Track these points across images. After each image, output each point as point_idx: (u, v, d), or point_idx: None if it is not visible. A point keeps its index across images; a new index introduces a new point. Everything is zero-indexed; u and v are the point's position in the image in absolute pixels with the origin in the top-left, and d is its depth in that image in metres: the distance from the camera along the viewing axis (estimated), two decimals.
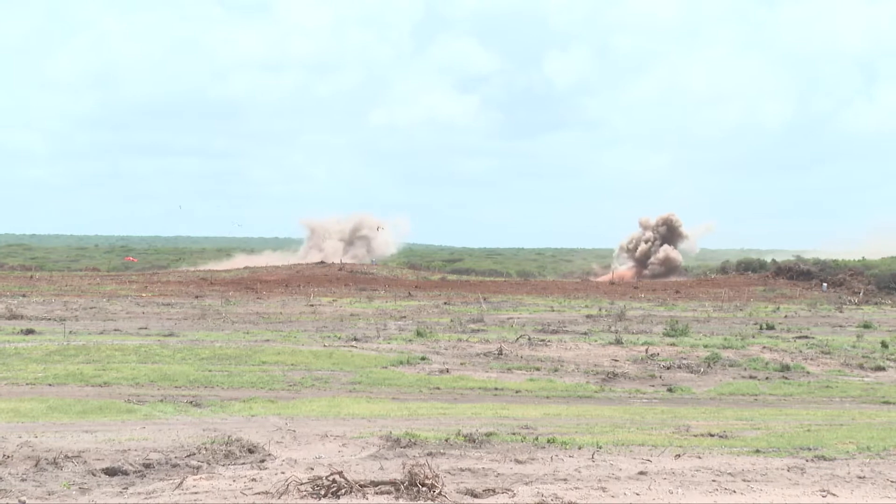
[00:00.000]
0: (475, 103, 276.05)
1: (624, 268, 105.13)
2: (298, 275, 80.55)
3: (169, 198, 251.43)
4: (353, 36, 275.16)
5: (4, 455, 15.18)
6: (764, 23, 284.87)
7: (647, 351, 30.94)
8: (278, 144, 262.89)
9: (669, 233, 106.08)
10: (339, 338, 34.34)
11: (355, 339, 33.69)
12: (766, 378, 27.03)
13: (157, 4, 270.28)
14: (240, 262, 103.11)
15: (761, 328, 40.22)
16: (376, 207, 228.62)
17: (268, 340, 33.07)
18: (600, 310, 50.41)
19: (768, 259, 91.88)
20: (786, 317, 47.74)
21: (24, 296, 55.37)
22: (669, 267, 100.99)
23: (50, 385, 23.75)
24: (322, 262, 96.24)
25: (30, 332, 34.74)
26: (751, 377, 27.17)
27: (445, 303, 55.73)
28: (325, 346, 31.70)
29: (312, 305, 51.94)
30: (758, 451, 16.17)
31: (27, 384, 23.86)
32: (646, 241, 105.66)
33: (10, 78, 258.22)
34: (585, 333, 37.24)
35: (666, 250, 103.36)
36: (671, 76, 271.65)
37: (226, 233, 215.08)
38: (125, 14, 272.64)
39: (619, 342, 33.13)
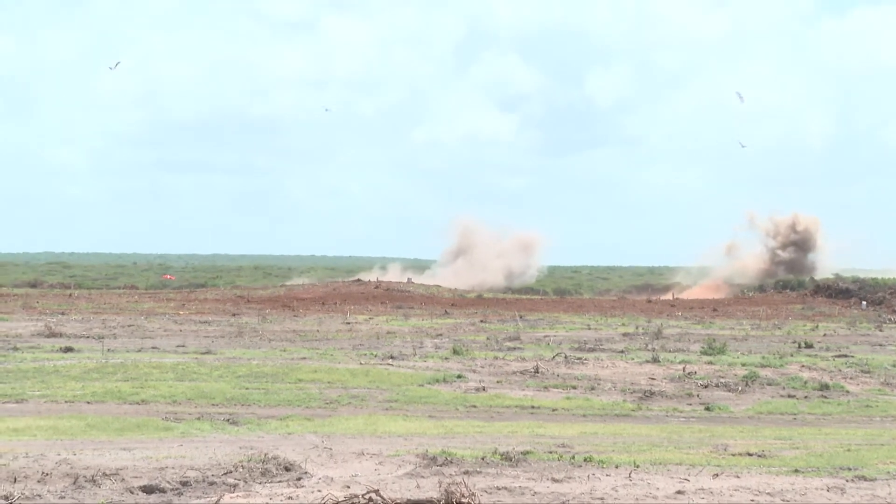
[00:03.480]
0: (516, 121, 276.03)
1: (705, 282, 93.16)
2: (335, 292, 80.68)
3: (207, 216, 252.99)
4: (396, 54, 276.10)
5: (43, 473, 15.28)
6: (805, 38, 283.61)
7: (684, 369, 30.74)
8: (319, 161, 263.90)
9: (802, 241, 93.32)
10: (376, 355, 34.36)
11: (391, 357, 33.70)
12: (805, 397, 26.78)
13: (202, 24, 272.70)
14: (369, 276, 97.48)
15: (800, 347, 39.87)
16: (417, 223, 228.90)
17: (304, 358, 33.14)
18: (637, 328, 50.17)
19: (807, 277, 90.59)
20: (825, 335, 47.31)
21: (63, 314, 55.80)
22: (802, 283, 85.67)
23: (88, 403, 23.91)
24: (358, 280, 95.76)
25: (69, 349, 35.01)
26: (789, 396, 26.93)
27: (481, 321, 55.66)
28: (361, 363, 31.72)
29: (349, 323, 52.04)
30: (797, 470, 16.02)
31: (66, 402, 24.03)
32: (778, 248, 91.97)
33: (55, 96, 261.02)
34: (622, 351, 37.06)
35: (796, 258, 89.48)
36: (712, 92, 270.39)
37: (264, 250, 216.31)
38: (170, 33, 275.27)
39: (656, 360, 32.93)
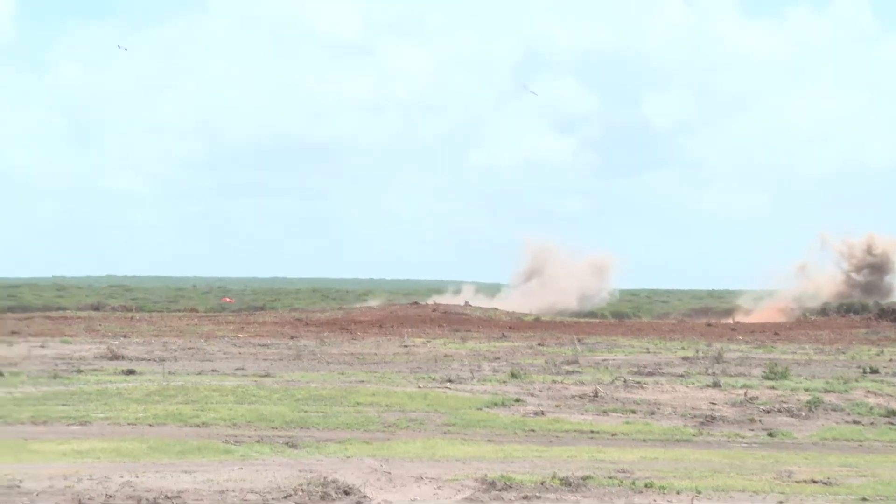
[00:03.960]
0: (573, 143, 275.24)
1: (770, 304, 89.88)
2: (392, 315, 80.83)
3: (266, 239, 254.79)
4: (454, 78, 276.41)
5: (107, 495, 15.42)
6: (867, 60, 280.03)
7: (745, 394, 30.36)
8: (375, 185, 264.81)
9: (880, 263, 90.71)
10: (434, 379, 34.33)
11: (449, 381, 33.65)
12: (871, 423, 26.32)
13: (261, 49, 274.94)
14: (443, 299, 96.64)
15: (865, 372, 39.22)
16: (474, 246, 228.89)
17: (362, 381, 33.20)
18: (697, 352, 49.69)
19: (882, 300, 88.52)
20: (890, 360, 46.52)
21: (125, 336, 56.44)
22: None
23: (150, 425, 24.11)
24: (416, 303, 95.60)
25: (130, 372, 35.37)
26: (854, 422, 26.48)
27: (539, 344, 55.45)
28: (419, 387, 31.71)
29: (406, 346, 52.09)
30: (864, 499, 15.74)
31: (128, 424, 24.26)
32: (855, 269, 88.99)
33: (119, 123, 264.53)
34: (682, 376, 36.70)
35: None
36: (772, 114, 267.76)
37: (322, 273, 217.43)
38: (229, 59, 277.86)
39: (716, 385, 32.57)
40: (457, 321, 75.90)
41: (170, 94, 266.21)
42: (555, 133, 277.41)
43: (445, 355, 46.13)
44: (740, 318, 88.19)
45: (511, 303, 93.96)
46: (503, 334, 63.44)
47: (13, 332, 56.85)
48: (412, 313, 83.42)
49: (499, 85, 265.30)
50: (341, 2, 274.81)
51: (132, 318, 77.61)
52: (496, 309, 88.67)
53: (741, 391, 31.02)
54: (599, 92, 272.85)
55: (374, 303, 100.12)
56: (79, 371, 35.58)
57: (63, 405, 26.80)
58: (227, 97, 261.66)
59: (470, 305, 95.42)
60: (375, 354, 46.42)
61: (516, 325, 74.31)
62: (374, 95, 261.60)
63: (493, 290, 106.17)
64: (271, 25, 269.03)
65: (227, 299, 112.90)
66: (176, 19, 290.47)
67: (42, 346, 47.35)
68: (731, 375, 36.76)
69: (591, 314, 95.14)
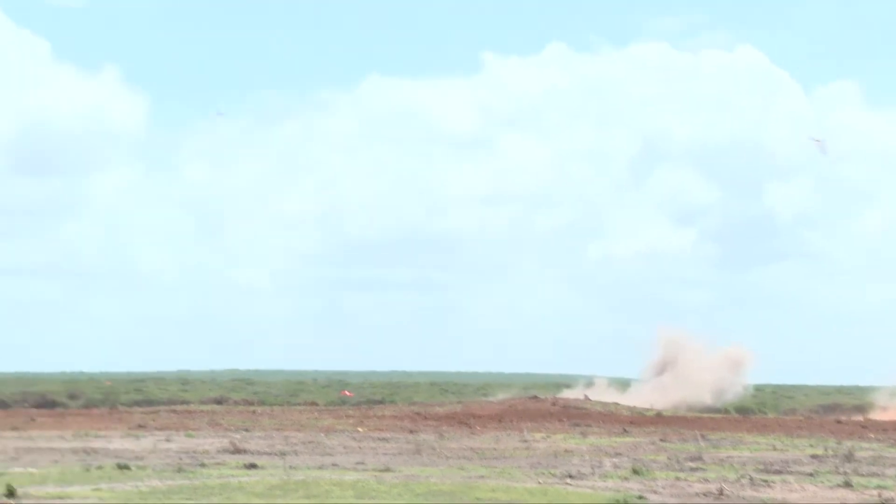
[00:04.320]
0: (693, 235, 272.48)
1: None
2: (511, 409, 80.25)
3: (385, 332, 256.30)
4: (571, 170, 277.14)
5: None
6: None
7: (880, 495, 29.24)
8: (494, 278, 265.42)
9: None
10: (554, 474, 33.88)
11: (570, 476, 33.17)
12: None
13: (382, 143, 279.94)
14: (572, 394, 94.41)
15: None
16: (590, 338, 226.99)
17: (482, 476, 32.93)
18: (826, 449, 48.10)
19: None
20: None
21: (247, 430, 57.09)
22: None
23: None
24: (535, 397, 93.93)
25: (252, 466, 35.70)
26: None
27: (661, 439, 54.36)
28: (539, 482, 31.30)
29: (526, 441, 51.59)
30: None
31: None
32: None
33: (243, 218, 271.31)
34: (811, 474, 35.53)
35: None
36: None
37: (442, 367, 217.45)
38: (351, 153, 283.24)
39: (848, 485, 31.45)
40: (577, 415, 75.00)
41: (291, 190, 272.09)
42: (674, 224, 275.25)
43: (565, 450, 45.56)
44: (874, 415, 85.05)
45: (642, 396, 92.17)
46: (624, 429, 62.44)
47: (140, 426, 58.08)
48: (531, 407, 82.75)
49: (616, 177, 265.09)
50: (459, 96, 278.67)
51: (254, 411, 78.52)
52: (617, 403, 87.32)
53: (875, 492, 29.90)
54: (719, 183, 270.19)
55: (493, 397, 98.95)
56: (202, 465, 36.05)
57: (187, 499, 27.13)
58: (347, 192, 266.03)
59: (590, 399, 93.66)
60: (495, 449, 46.06)
61: (637, 420, 73.12)
62: (492, 188, 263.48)
63: (620, 383, 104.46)
64: (390, 121, 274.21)
65: (347, 393, 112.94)
66: (298, 117, 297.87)
67: (167, 440, 48.21)
68: (863, 475, 35.46)
69: (715, 409, 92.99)
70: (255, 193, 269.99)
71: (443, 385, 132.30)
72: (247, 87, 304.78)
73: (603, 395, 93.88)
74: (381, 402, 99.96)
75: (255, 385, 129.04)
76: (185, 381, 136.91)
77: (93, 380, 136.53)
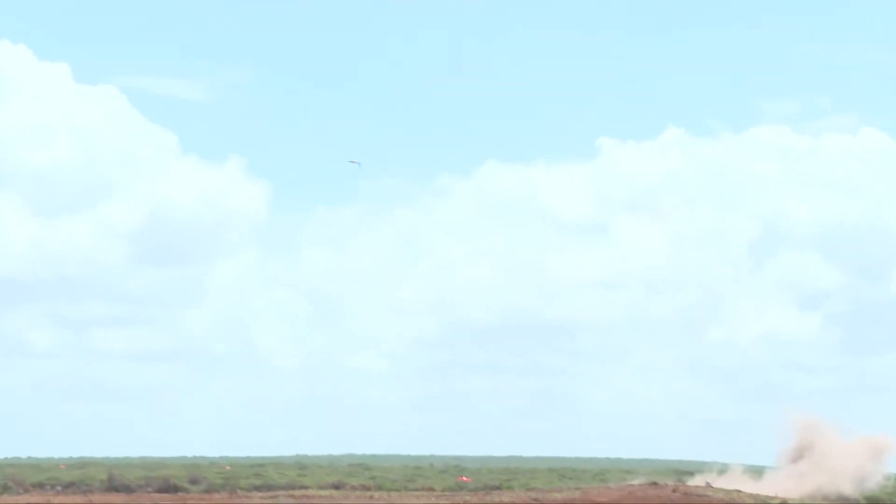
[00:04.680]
0: (817, 319, 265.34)
1: None
2: (631, 496, 78.65)
3: (501, 417, 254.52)
4: (690, 254, 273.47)
5: None
6: None
7: None
8: (612, 362, 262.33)
9: None
10: None
11: None
12: None
13: (498, 228, 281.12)
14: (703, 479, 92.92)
15: None
16: (711, 424, 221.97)
17: None
18: None
19: None
20: None
21: None
22: None
23: None
24: (655, 483, 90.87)
25: None
26: None
27: None
28: None
29: None
30: None
31: None
32: None
33: (360, 302, 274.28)
34: None
35: None
36: None
37: (559, 452, 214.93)
38: (467, 239, 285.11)
39: None
40: (698, 503, 73.06)
41: (408, 275, 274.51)
42: (797, 308, 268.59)
43: None
44: None
45: (778, 484, 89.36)
46: None
47: None
48: (651, 494, 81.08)
49: (736, 260, 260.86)
50: (576, 181, 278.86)
51: (371, 496, 78.24)
52: (739, 491, 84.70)
53: None
54: (843, 266, 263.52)
55: (612, 483, 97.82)
56: None
57: None
58: (464, 277, 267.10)
59: (712, 487, 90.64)
60: None
61: None
62: (609, 273, 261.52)
63: (754, 470, 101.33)
64: (507, 206, 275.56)
65: (465, 478, 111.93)
66: (415, 203, 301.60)
67: None
68: None
69: (848, 499, 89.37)
70: (371, 278, 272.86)
71: (561, 471, 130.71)
72: (365, 174, 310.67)
73: (737, 482, 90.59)
74: (498, 487, 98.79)
75: (372, 470, 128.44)
76: (303, 465, 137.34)
77: (213, 464, 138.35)
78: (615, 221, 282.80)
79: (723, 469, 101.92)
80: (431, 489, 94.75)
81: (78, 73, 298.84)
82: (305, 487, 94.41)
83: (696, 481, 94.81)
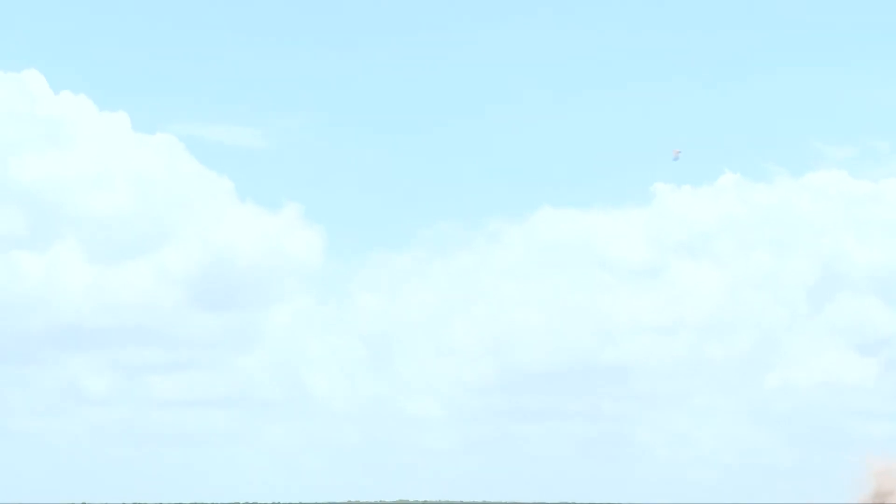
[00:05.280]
0: (875, 365, 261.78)
1: None
2: None
3: (557, 462, 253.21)
4: (747, 298, 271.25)
5: None
6: None
7: None
8: (668, 408, 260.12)
9: None
10: None
11: None
12: None
13: (553, 273, 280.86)
14: None
15: None
16: (768, 471, 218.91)
17: None
18: None
19: None
20: None
21: None
22: None
23: None
24: None
25: None
26: None
27: None
28: None
29: None
30: None
31: None
32: None
33: (414, 347, 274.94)
34: None
35: None
36: None
37: (613, 498, 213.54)
38: (520, 282, 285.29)
39: None
40: None
41: (463, 320, 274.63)
42: (856, 354, 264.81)
43: None
44: None
45: None
46: None
47: None
48: None
49: (794, 304, 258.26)
50: (631, 226, 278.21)
51: None
52: None
53: None
54: None
55: None
56: None
57: None
58: (518, 321, 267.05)
59: None
60: None
61: None
62: (665, 317, 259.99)
63: None
64: (562, 251, 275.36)
65: None
66: (470, 248, 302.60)
67: None
68: None
69: None
70: (426, 323, 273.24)
71: None
72: (419, 219, 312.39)
73: None
74: None
75: None
76: None
77: None
78: (671, 265, 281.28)
79: None
80: None
81: (137, 122, 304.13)
82: None
83: None
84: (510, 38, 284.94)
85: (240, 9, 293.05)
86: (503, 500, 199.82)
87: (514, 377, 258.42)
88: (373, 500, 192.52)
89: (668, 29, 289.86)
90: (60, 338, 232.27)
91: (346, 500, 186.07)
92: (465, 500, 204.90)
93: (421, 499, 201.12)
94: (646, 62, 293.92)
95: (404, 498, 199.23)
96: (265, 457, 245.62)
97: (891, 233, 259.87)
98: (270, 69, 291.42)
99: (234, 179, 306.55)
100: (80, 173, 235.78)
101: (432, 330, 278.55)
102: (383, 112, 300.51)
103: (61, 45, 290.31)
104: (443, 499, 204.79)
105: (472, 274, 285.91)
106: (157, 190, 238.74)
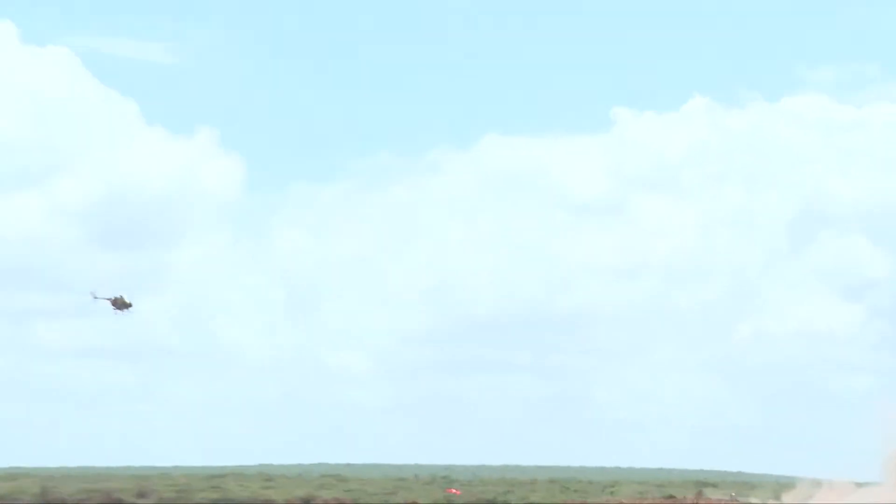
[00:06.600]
0: (860, 312, 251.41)
1: None
2: None
3: (498, 422, 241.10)
4: (718, 238, 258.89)
5: None
6: None
7: None
8: (625, 362, 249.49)
9: None
10: None
11: None
12: None
13: (499, 209, 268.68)
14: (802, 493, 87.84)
15: None
16: (736, 432, 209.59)
17: None
18: None
19: None
20: None
21: None
22: None
23: None
24: (672, 497, 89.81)
25: None
26: None
27: None
28: None
29: None
30: None
31: None
32: None
33: (341, 292, 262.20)
34: None
35: None
36: None
37: (563, 461, 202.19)
38: (464, 220, 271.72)
39: None
40: None
41: (396, 262, 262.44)
42: (839, 299, 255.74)
43: None
44: None
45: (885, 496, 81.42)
46: None
47: None
48: None
49: (771, 245, 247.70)
50: (587, 156, 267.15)
51: None
52: None
53: None
54: (892, 252, 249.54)
55: (622, 496, 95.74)
56: None
57: None
58: (459, 264, 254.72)
59: (737, 500, 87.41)
60: None
61: None
62: (625, 259, 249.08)
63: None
64: (509, 184, 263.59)
65: (454, 491, 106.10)
66: (405, 180, 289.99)
67: None
68: None
69: None
70: (355, 265, 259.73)
71: (564, 482, 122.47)
72: (349, 150, 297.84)
73: (835, 495, 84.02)
74: (492, 501, 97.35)
75: (348, 482, 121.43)
76: (268, 477, 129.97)
77: (165, 475, 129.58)
78: (632, 201, 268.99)
79: (816, 483, 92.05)
80: (416, 503, 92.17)
81: (25, 33, 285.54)
82: (271, 501, 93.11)
83: (719, 494, 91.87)
84: None
85: None
86: (437, 464, 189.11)
87: (453, 327, 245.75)
88: (289, 464, 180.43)
89: None
90: None
91: (257, 464, 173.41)
92: (393, 463, 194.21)
93: (344, 462, 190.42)
94: None
95: (325, 461, 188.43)
96: (168, 416, 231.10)
97: (878, 164, 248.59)
98: None
99: (139, 100, 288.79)
100: None
101: (362, 273, 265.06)
102: (313, 31, 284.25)
103: None
104: (369, 462, 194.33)
105: (408, 209, 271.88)
106: (49, 111, 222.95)
